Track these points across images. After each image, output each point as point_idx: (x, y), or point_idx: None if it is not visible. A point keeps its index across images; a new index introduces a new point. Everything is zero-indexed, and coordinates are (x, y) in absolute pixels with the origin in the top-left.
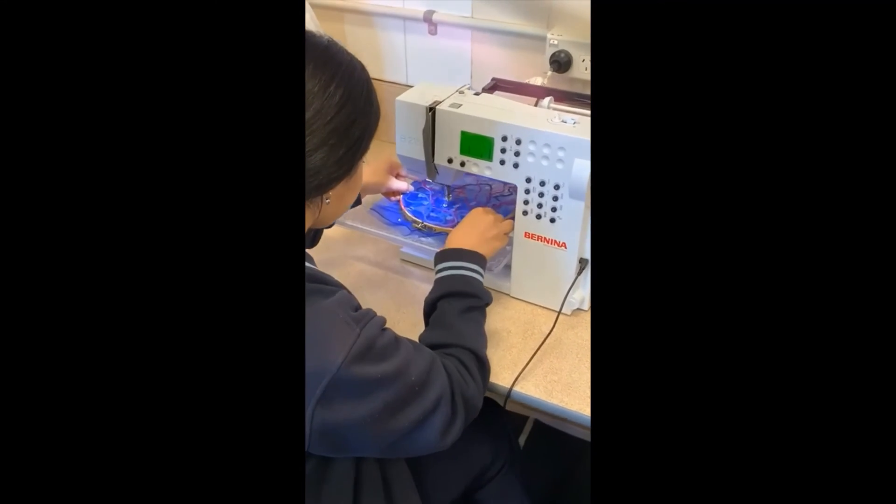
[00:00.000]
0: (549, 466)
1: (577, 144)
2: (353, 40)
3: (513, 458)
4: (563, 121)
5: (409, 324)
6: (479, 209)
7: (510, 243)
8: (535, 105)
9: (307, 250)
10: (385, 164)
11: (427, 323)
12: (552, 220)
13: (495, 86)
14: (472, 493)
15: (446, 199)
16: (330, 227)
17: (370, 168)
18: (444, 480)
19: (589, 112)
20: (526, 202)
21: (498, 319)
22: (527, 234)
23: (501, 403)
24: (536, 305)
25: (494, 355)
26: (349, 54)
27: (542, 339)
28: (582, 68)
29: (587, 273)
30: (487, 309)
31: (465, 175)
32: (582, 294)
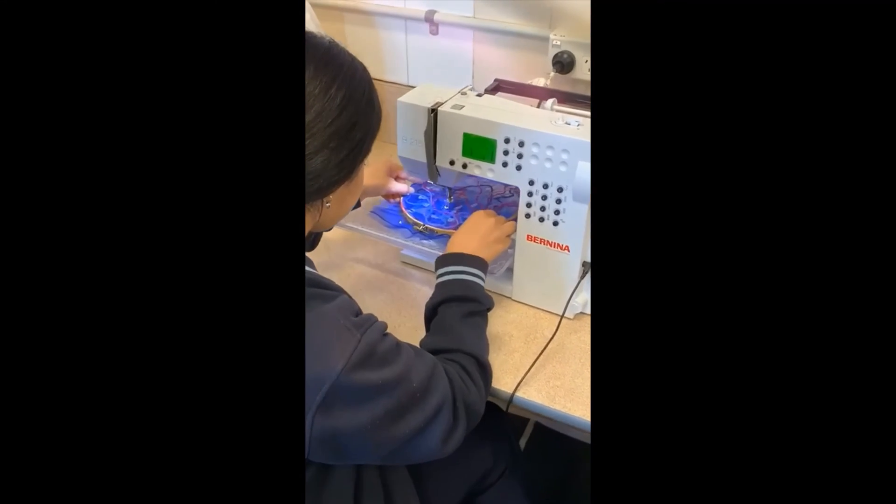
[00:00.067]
0: (551, 469)
1: (581, 147)
2: (354, 40)
3: (514, 461)
4: (566, 123)
5: (409, 327)
6: (480, 212)
7: (512, 246)
8: (538, 106)
9: (307, 254)
10: (385, 166)
11: (428, 328)
12: (555, 224)
13: (498, 87)
14: (473, 498)
15: (447, 200)
16: (329, 230)
17: (369, 170)
18: (445, 486)
19: None
20: (529, 205)
21: (500, 323)
22: (529, 238)
23: (503, 408)
24: (539, 309)
25: (496, 360)
26: (350, 55)
27: (544, 344)
28: (585, 69)
29: (590, 277)
30: (489, 313)
31: (466, 176)
32: (585, 298)
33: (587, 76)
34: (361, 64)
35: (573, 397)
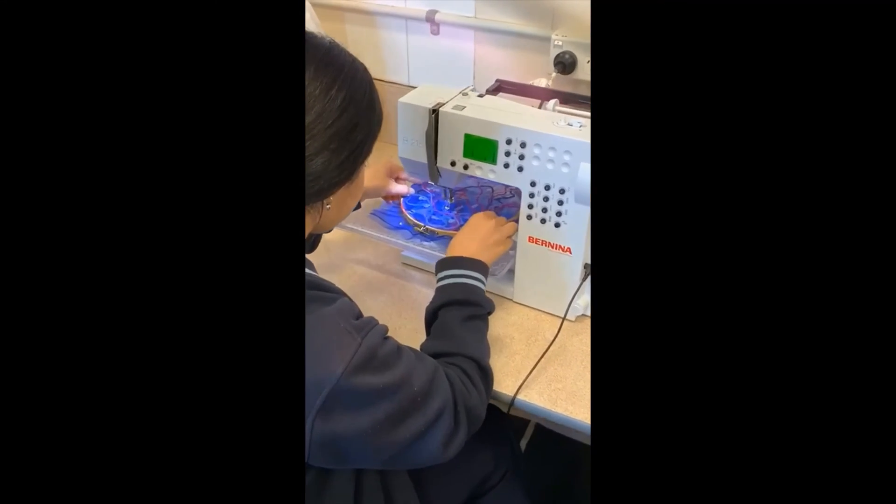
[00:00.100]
0: (552, 470)
1: (583, 148)
2: (355, 40)
3: (515, 464)
4: (568, 124)
5: (410, 329)
6: (480, 214)
7: (514, 248)
8: (540, 107)
9: (307, 256)
10: (385, 167)
11: (428, 332)
12: (557, 225)
13: (499, 87)
14: (474, 501)
15: (448, 201)
16: (329, 231)
17: (370, 171)
18: (447, 490)
19: None
20: (530, 206)
21: (501, 325)
22: (531, 239)
23: (504, 411)
24: (540, 311)
25: (497, 362)
26: (351, 56)
27: (546, 346)
28: (587, 70)
29: (590, 279)
30: (490, 316)
31: (467, 177)
32: (587, 300)
33: (589, 77)
34: (362, 65)
35: (575, 400)
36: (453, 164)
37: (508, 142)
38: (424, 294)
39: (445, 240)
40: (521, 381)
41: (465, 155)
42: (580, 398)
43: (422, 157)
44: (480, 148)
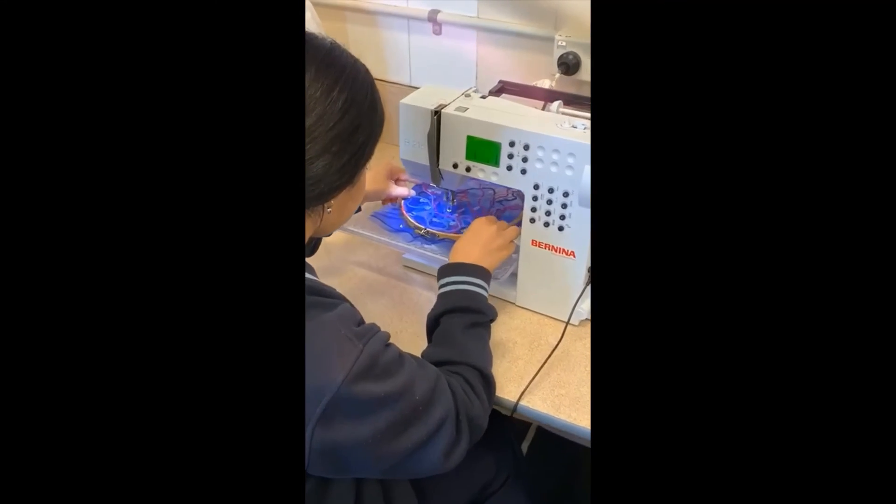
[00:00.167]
0: (554, 473)
1: (588, 150)
2: (356, 40)
3: (517, 469)
4: (572, 126)
5: (411, 334)
6: (482, 219)
7: (516, 251)
8: (544, 109)
9: (307, 259)
10: (386, 170)
11: (430, 339)
12: (560, 229)
13: (502, 88)
14: None
15: (450, 203)
16: (329, 235)
17: (371, 174)
18: (448, 497)
19: None
20: (533, 209)
21: (503, 330)
22: (534, 243)
23: (506, 416)
24: (543, 315)
25: (499, 367)
26: (353, 57)
27: (549, 351)
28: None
29: (590, 282)
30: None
31: (469, 179)
32: (590, 304)
33: None
34: (364, 66)
35: (578, 406)
36: (455, 166)
37: (511, 144)
38: (426, 297)
39: (447, 242)
40: (523, 387)
41: (468, 157)
42: (584, 404)
43: (423, 159)
44: (483, 150)
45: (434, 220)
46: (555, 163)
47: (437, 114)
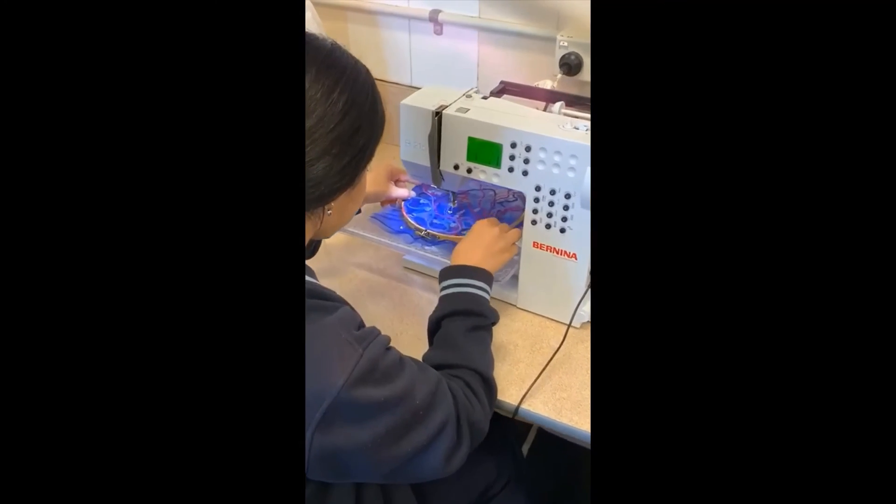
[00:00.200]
0: (554, 475)
1: (590, 152)
2: (357, 40)
3: (517, 471)
4: (574, 127)
5: (412, 336)
6: (484, 221)
7: (518, 253)
8: (545, 110)
9: (307, 262)
10: (386, 171)
11: (431, 342)
12: (562, 231)
13: (503, 89)
14: None
15: (451, 205)
16: (329, 237)
17: (371, 176)
18: (448, 501)
19: None
20: (535, 211)
21: (504, 332)
22: (535, 245)
23: (507, 418)
24: (545, 318)
25: (500, 370)
26: (353, 58)
27: (550, 354)
28: None
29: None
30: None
31: (469, 180)
32: (590, 307)
33: None
34: (365, 67)
35: (580, 410)
36: (457, 167)
37: (513, 145)
38: (426, 299)
39: (447, 244)
40: (524, 390)
41: (469, 158)
42: (586, 408)
43: (424, 160)
44: (484, 151)
45: (434, 221)
46: (556, 164)
47: (437, 115)
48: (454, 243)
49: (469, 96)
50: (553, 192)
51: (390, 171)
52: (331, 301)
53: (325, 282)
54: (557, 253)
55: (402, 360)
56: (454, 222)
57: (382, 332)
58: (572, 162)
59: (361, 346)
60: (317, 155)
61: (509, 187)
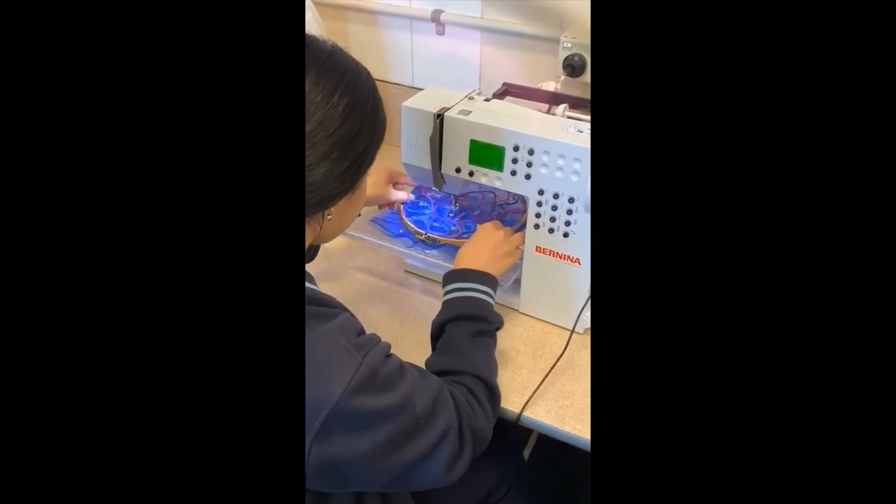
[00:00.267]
0: (556, 480)
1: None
2: (358, 40)
3: (519, 478)
4: (578, 130)
5: (413, 341)
6: (489, 224)
7: (521, 257)
8: (549, 112)
9: (306, 266)
10: (386, 174)
11: (434, 346)
12: (566, 235)
13: (506, 91)
14: None
15: (452, 208)
16: (328, 241)
17: (371, 179)
18: None
19: None
20: (538, 215)
21: (506, 337)
22: (538, 249)
23: (509, 426)
24: (547, 323)
25: (502, 376)
26: (354, 61)
27: (552, 360)
28: None
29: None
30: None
31: (470, 183)
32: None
33: None
34: (366, 70)
35: (583, 418)
36: (458, 170)
37: (516, 148)
38: (427, 303)
39: (448, 247)
40: (527, 397)
41: (471, 161)
42: (589, 415)
43: (426, 163)
44: (486, 154)
45: (434, 224)
46: (560, 168)
47: (439, 117)
48: (455, 247)
49: (471, 98)
50: (556, 196)
51: (389, 173)
52: (330, 307)
53: (325, 285)
54: (560, 257)
55: (402, 368)
56: (454, 225)
57: (383, 338)
58: (576, 165)
59: (361, 353)
60: (317, 159)
61: (512, 191)
